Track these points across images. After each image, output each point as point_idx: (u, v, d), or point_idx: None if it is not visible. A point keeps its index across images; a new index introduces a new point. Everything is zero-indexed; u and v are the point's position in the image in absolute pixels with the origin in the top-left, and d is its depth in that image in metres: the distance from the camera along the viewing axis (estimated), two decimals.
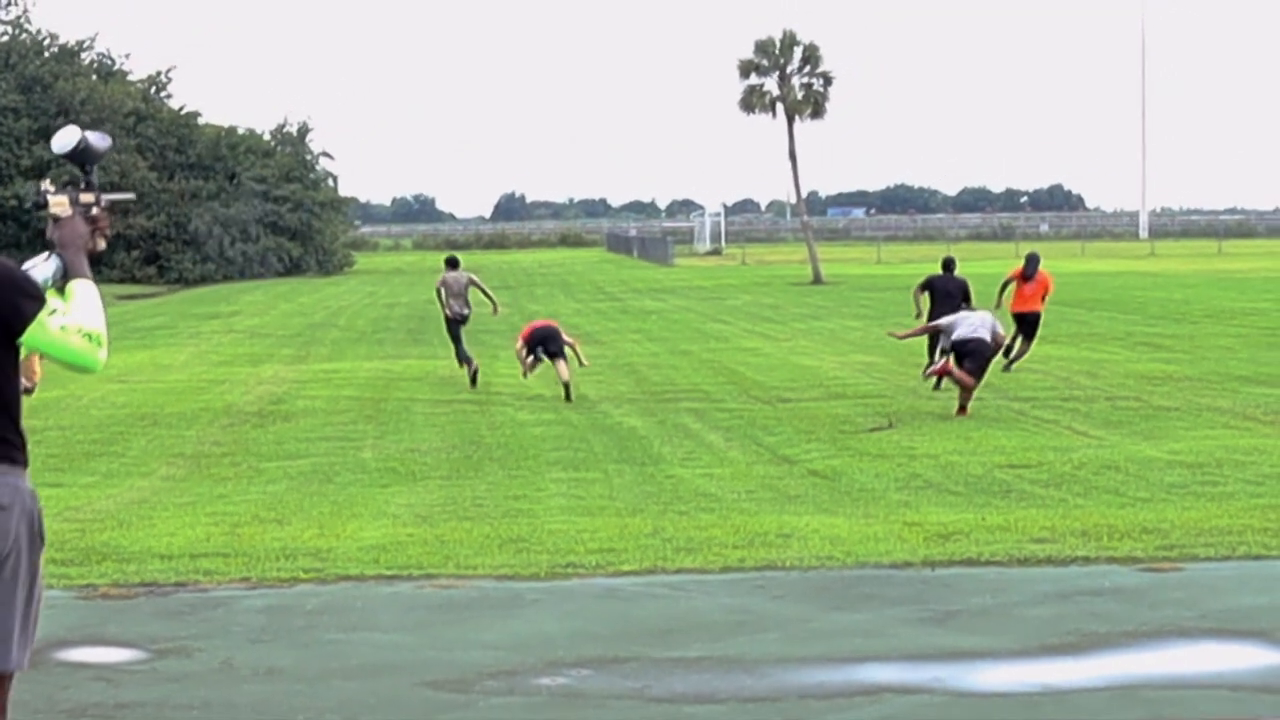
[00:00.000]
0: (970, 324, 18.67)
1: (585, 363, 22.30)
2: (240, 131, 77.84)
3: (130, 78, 76.05)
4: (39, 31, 72.84)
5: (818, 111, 58.38)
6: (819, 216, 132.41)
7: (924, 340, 21.78)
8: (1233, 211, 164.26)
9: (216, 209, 71.81)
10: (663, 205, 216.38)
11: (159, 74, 77.65)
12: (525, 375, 21.95)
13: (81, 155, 4.38)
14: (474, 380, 22.86)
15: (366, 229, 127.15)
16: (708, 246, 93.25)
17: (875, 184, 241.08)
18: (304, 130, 77.97)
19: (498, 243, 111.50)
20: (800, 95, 58.12)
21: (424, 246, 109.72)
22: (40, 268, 4.22)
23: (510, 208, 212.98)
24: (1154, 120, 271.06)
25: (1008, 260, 48.32)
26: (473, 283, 24.04)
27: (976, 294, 22.41)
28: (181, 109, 77.02)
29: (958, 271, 22.80)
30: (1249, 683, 6.31)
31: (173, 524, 10.95)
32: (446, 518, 11.36)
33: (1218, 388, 20.57)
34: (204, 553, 9.39)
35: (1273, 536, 9.32)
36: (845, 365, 24.91)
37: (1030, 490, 12.63)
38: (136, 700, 6.22)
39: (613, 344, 30.26)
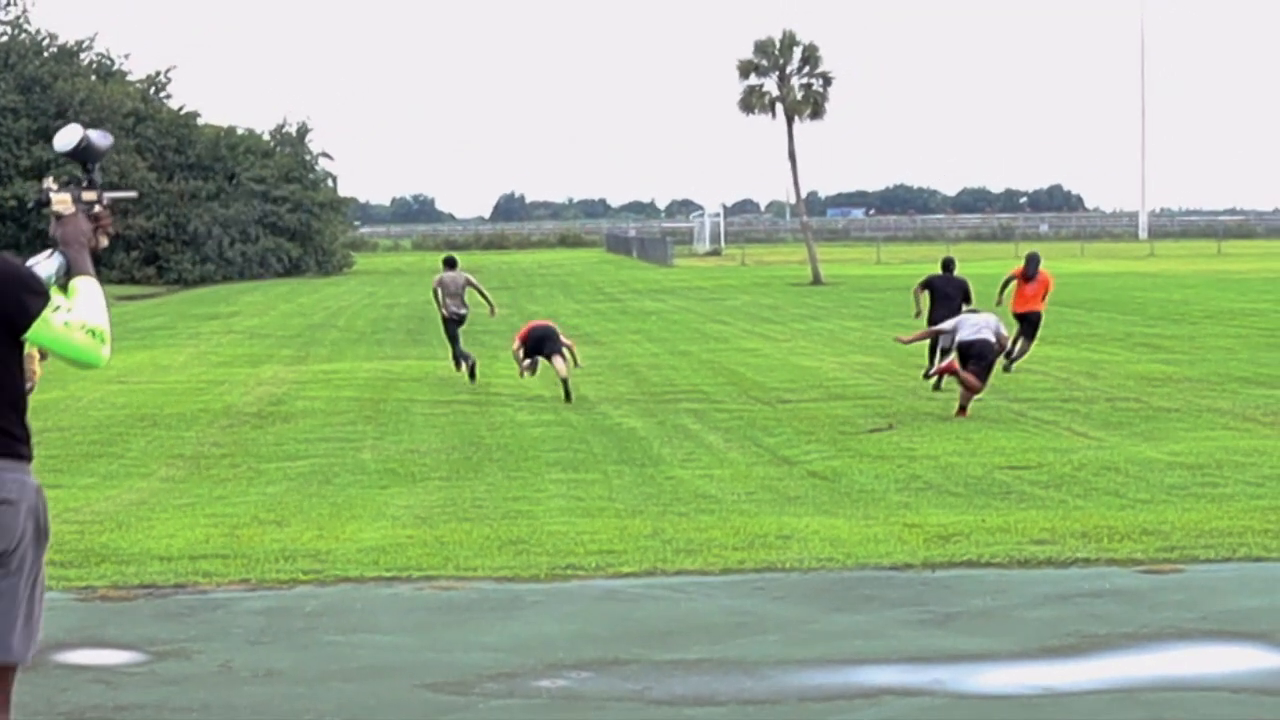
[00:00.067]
0: (974, 325, 18.67)
1: (581, 364, 22.33)
2: (239, 132, 77.75)
3: (129, 78, 75.97)
4: (38, 31, 72.82)
5: (817, 112, 58.38)
6: (818, 217, 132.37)
7: (924, 342, 21.80)
8: (1232, 212, 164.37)
9: (216, 209, 71.81)
10: (662, 206, 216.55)
11: (158, 74, 77.63)
12: (522, 375, 21.99)
13: (84, 153, 4.39)
14: (473, 374, 22.91)
15: (366, 229, 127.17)
16: (707, 247, 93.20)
17: (875, 184, 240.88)
18: (303, 130, 77.93)
19: (497, 243, 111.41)
20: (800, 95, 58.11)
21: (423, 247, 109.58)
22: (43, 265, 4.24)
23: (509, 208, 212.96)
24: (1153, 121, 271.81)
25: (1007, 261, 48.29)
26: (470, 284, 24.03)
27: (976, 294, 22.42)
28: (181, 109, 76.98)
29: (957, 272, 22.82)
30: (1249, 685, 6.30)
31: (172, 525, 10.95)
32: (446, 519, 11.35)
33: (1218, 389, 20.57)
34: (203, 554, 9.38)
35: (1273, 538, 9.31)
36: (845, 366, 24.91)
37: (1030, 491, 12.63)
38: (135, 702, 6.21)
39: (612, 345, 30.26)
